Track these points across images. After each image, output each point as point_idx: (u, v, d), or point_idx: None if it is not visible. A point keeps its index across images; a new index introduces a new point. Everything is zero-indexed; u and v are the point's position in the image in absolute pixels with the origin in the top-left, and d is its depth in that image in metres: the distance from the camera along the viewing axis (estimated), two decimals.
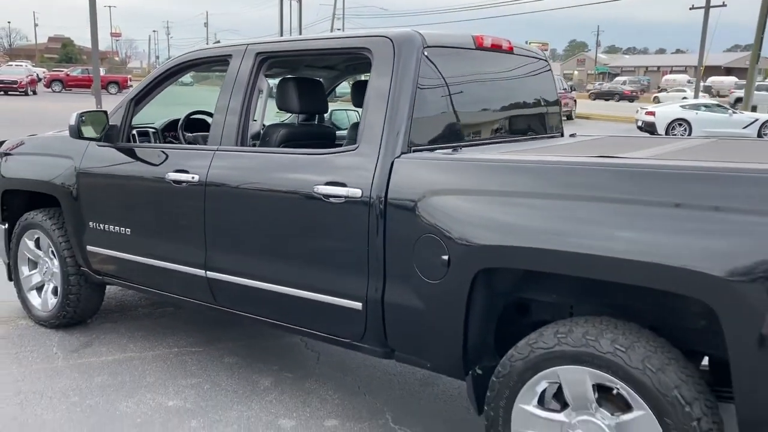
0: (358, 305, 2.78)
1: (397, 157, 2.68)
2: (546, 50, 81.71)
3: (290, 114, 4.48)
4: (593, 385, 2.23)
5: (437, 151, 2.77)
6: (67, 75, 43.55)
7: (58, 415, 3.19)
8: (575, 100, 30.35)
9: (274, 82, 3.94)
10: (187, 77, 4.79)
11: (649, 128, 20.34)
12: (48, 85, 42.60)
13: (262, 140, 3.44)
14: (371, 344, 2.84)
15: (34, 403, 3.29)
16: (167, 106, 4.28)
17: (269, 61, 3.30)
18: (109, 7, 79.27)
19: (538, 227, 2.27)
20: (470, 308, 2.50)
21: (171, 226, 3.48)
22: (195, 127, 4.20)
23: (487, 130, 3.27)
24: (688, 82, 56.76)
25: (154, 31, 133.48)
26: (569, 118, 28.94)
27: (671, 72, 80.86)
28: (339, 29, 65.13)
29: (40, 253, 4.30)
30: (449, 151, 2.77)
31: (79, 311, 4.20)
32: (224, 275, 3.24)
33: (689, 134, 19.54)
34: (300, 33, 55.98)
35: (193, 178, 3.27)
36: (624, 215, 2.13)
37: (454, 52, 3.04)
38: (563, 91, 28.15)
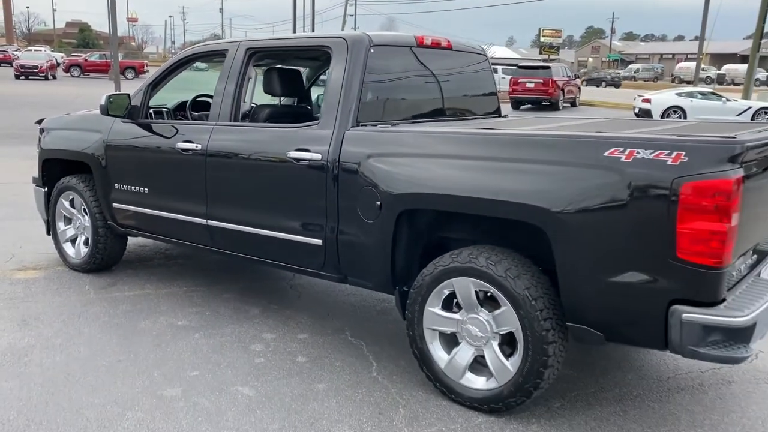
0: (318, 242, 3.69)
1: (348, 130, 3.57)
2: (560, 37, 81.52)
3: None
4: (476, 291, 3.13)
5: (379, 125, 3.66)
6: (86, 60, 44.67)
7: (93, 329, 4.14)
8: (579, 88, 30.96)
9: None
10: (201, 64, 5.66)
11: (645, 115, 21.03)
12: (67, 70, 43.79)
13: (251, 117, 4.35)
14: (329, 272, 3.76)
15: (74, 321, 4.24)
16: (188, 90, 5.20)
17: (256, 54, 4.20)
18: None
19: (436, 178, 3.17)
20: (396, 241, 3.40)
21: (179, 185, 4.40)
22: (200, 107, 5.11)
23: (426, 111, 4.15)
24: (702, 69, 57.05)
25: (170, 16, 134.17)
26: (573, 104, 29.58)
27: (686, 59, 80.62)
28: (351, 15, 65.76)
29: (74, 211, 5.24)
30: (388, 126, 3.67)
31: (106, 258, 5.15)
32: (220, 222, 4.16)
33: None
34: (312, 19, 56.62)
35: (197, 147, 4.18)
36: (492, 169, 3.03)
37: (398, 50, 3.92)
38: (567, 79, 28.77)
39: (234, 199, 4.10)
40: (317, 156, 3.60)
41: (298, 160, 3.68)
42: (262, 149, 3.90)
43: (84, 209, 5.13)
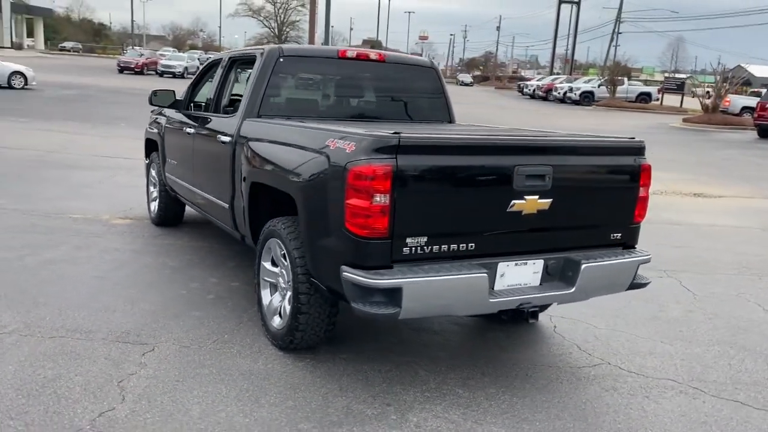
0: (226, 206, 4.75)
1: (245, 120, 4.57)
2: None
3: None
4: (281, 252, 3.94)
5: (276, 118, 4.59)
6: None
7: (112, 257, 5.69)
8: None
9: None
10: None
11: None
12: None
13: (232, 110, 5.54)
14: (235, 230, 4.79)
15: (108, 252, 5.84)
16: None
17: (236, 62, 5.39)
18: (408, 12, 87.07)
19: (260, 157, 4.04)
20: (251, 206, 4.31)
21: (187, 159, 5.77)
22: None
23: (339, 112, 4.93)
24: None
25: (451, 35, 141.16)
26: None
27: None
28: (620, 33, 63.42)
29: (155, 179, 6.96)
30: (283, 119, 4.58)
31: (167, 216, 6.75)
32: (196, 189, 5.43)
33: None
34: (575, 37, 55.76)
35: (193, 131, 5.51)
36: (281, 150, 3.82)
37: (312, 60, 4.81)
38: None
39: (201, 172, 5.34)
40: (228, 138, 4.67)
41: (223, 141, 4.79)
42: (212, 134, 5.07)
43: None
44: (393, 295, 3.12)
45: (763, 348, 4.53)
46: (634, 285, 3.87)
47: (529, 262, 3.55)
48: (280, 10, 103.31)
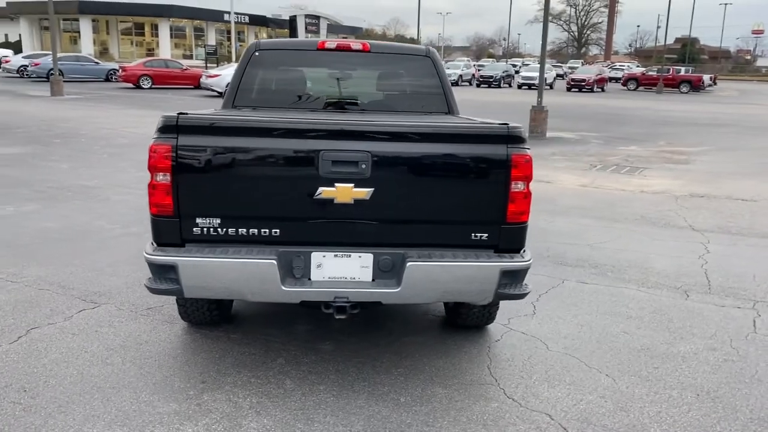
0: None
1: (220, 110, 4.91)
2: None
3: None
4: None
5: (246, 110, 4.85)
6: (643, 74, 46.53)
7: None
8: None
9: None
10: None
11: None
12: (624, 83, 46.62)
13: None
14: None
15: None
16: None
17: None
18: (725, 4, 77.98)
19: None
20: None
21: None
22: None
23: (314, 102, 4.96)
24: None
25: None
26: None
27: None
28: None
29: None
30: (249, 109, 4.82)
31: None
32: None
33: None
34: None
35: None
36: None
37: (291, 53, 4.94)
38: None
39: None
40: None
41: None
42: None
43: None
44: (174, 272, 3.20)
45: (746, 406, 3.44)
46: (503, 295, 3.30)
47: (353, 254, 3.29)
48: (581, 13, 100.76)
